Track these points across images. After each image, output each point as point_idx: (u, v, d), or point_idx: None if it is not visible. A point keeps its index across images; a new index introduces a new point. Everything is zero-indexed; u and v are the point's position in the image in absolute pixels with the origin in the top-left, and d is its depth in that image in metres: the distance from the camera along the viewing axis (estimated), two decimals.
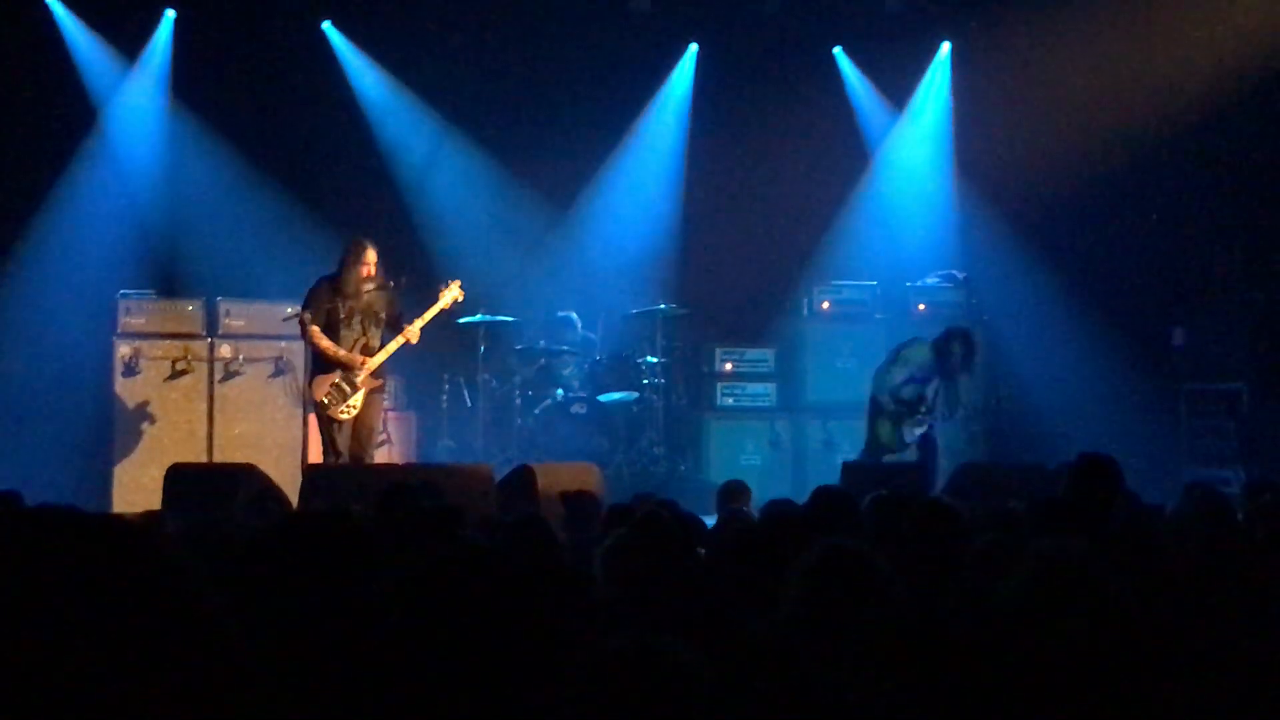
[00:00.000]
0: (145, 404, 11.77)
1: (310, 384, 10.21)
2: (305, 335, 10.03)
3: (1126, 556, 4.53)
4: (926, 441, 10.96)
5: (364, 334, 10.01)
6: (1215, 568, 4.23)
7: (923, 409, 10.85)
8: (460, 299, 10.36)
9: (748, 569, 4.15)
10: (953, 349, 10.79)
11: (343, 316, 9.96)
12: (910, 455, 10.87)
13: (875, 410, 10.95)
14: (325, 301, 9.96)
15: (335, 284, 10.00)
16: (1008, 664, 2.97)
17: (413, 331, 9.99)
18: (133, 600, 1.69)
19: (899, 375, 10.87)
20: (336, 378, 9.92)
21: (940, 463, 10.83)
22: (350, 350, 9.94)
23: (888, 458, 10.84)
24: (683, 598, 4.11)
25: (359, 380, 9.93)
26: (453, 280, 10.36)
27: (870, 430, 11.03)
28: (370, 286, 9.99)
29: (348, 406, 9.92)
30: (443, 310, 10.24)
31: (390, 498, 6.01)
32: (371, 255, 9.96)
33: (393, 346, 10.05)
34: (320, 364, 10.05)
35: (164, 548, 1.81)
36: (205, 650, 1.72)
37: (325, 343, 9.91)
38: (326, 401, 9.91)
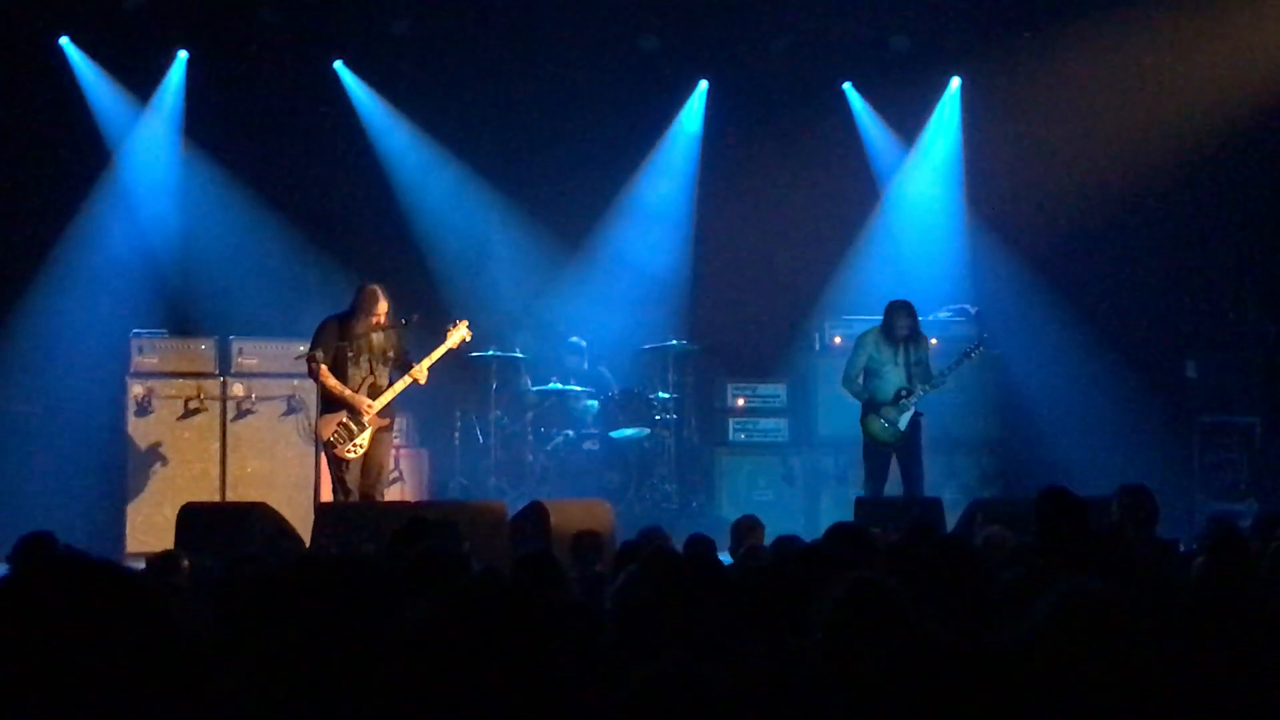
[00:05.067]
0: (158, 443, 11.78)
1: (318, 423, 10.22)
2: (314, 375, 10.01)
3: (1145, 592, 4.51)
4: (915, 424, 11.09)
5: (371, 373, 10.00)
6: (1231, 603, 4.20)
7: (903, 393, 10.99)
8: (468, 339, 10.35)
9: (762, 604, 4.14)
10: (896, 321, 11.03)
11: (350, 355, 9.94)
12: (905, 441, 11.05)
13: (863, 412, 11.11)
14: (333, 341, 9.94)
15: (343, 324, 9.99)
16: (1026, 699, 2.95)
17: (420, 371, 9.96)
18: (136, 658, 1.69)
19: (856, 365, 11.14)
20: (344, 417, 9.90)
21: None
22: (358, 389, 9.93)
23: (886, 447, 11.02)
24: (695, 633, 4.09)
25: (366, 419, 9.92)
26: (460, 320, 10.35)
27: (864, 431, 11.12)
28: (378, 326, 9.99)
29: (355, 445, 9.90)
30: (450, 350, 10.24)
31: (403, 536, 5.97)
32: (383, 306, 9.94)
33: (400, 386, 10.02)
34: (328, 403, 10.06)
35: (167, 601, 1.81)
36: (203, 704, 1.72)
37: (333, 382, 9.90)
38: (333, 440, 9.90)
